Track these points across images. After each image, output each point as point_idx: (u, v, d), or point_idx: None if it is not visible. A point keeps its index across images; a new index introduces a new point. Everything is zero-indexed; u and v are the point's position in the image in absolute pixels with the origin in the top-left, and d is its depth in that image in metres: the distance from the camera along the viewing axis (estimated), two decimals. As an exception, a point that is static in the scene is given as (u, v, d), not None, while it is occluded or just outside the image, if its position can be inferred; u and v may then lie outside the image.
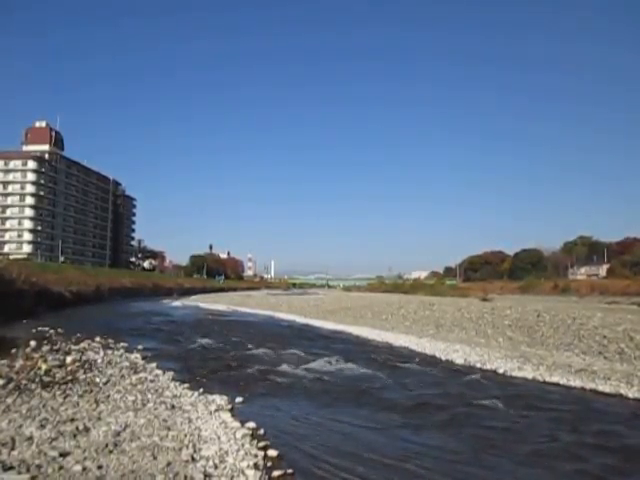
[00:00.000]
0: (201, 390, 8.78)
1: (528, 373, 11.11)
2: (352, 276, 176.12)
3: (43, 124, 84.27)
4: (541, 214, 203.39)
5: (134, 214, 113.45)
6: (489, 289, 55.78)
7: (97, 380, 9.05)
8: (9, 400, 7.27)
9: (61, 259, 74.13)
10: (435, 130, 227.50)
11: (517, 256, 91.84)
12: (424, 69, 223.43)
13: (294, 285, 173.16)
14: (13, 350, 11.53)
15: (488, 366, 12.01)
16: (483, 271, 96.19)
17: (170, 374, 10.22)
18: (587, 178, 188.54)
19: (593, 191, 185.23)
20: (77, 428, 6.07)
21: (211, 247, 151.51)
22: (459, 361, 12.90)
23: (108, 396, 7.87)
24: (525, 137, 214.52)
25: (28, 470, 4.71)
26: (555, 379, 10.44)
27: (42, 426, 6.10)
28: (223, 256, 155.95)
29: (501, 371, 11.48)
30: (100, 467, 4.91)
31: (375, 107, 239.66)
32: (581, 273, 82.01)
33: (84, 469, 4.82)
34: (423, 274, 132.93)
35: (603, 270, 76.80)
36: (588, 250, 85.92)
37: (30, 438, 5.63)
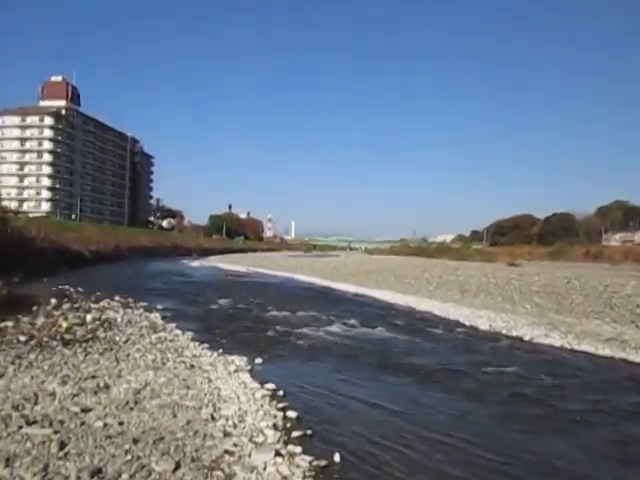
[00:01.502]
0: (220, 351, 8.97)
1: (555, 341, 11.02)
2: (375, 238, 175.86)
3: (59, 79, 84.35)
4: (574, 176, 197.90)
5: (152, 172, 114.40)
6: (517, 254, 54.94)
7: (117, 339, 9.31)
8: (31, 356, 7.56)
9: (79, 217, 75.74)
10: (464, 85, 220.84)
11: (547, 220, 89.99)
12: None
13: (315, 247, 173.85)
14: (34, 308, 11.93)
15: (514, 333, 11.94)
16: (511, 235, 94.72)
17: (189, 334, 10.47)
18: (624, 136, 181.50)
19: (631, 151, 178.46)
20: (98, 385, 6.29)
21: (230, 207, 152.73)
22: (484, 327, 12.86)
23: (128, 355, 8.11)
24: (558, 90, 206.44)
25: (51, 425, 4.91)
26: (583, 347, 10.33)
27: (64, 382, 6.33)
28: (242, 216, 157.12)
29: (527, 338, 11.40)
30: (121, 423, 5.08)
31: (394, 60, 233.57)
32: (615, 239, 79.94)
33: (105, 425, 5.00)
34: (449, 237, 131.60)
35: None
36: (624, 215, 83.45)
37: (52, 394, 5.86)
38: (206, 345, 9.44)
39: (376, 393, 7.03)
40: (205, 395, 6.25)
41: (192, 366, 7.70)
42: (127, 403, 5.68)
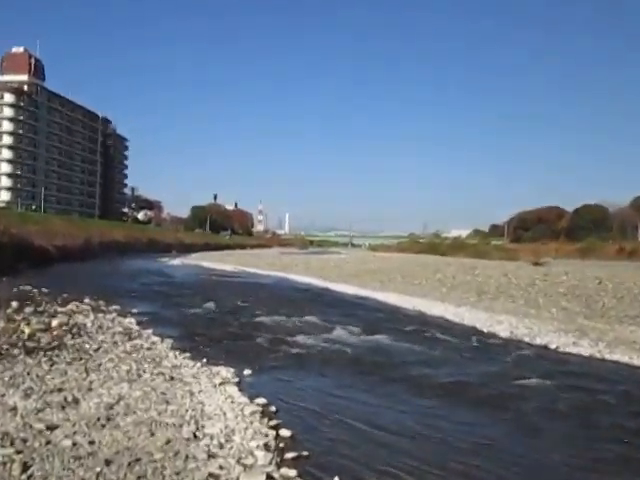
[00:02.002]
0: (204, 360, 9.00)
1: (584, 349, 11.08)
2: (380, 234, 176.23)
3: (21, 50, 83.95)
4: (607, 163, 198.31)
5: (126, 157, 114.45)
6: (542, 251, 55.08)
7: (87, 347, 9.33)
8: (-10, 366, 7.56)
9: (44, 208, 75.60)
10: (486, 67, 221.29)
11: (577, 213, 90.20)
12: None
13: (312, 243, 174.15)
14: (-7, 311, 11.91)
15: (538, 340, 12.01)
16: (536, 230, 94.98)
17: (169, 342, 10.50)
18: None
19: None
20: (65, 399, 6.30)
21: (215, 197, 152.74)
22: (504, 334, 12.93)
23: (99, 365, 8.13)
24: (586, 80, 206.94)
25: (12, 444, 4.92)
26: (616, 357, 10.39)
27: (27, 396, 6.35)
28: (229, 208, 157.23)
29: (553, 346, 11.47)
30: (92, 443, 5.09)
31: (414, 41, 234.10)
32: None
33: (74, 444, 5.01)
34: (464, 232, 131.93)
35: (682, 231, 74.98)
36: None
37: (14, 409, 5.87)
38: (188, 354, 9.47)
39: (381, 410, 7.07)
40: (187, 411, 6.27)
41: (172, 378, 7.73)
42: (98, 420, 5.70)
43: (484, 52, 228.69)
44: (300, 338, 11.68)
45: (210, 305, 16.89)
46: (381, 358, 10.17)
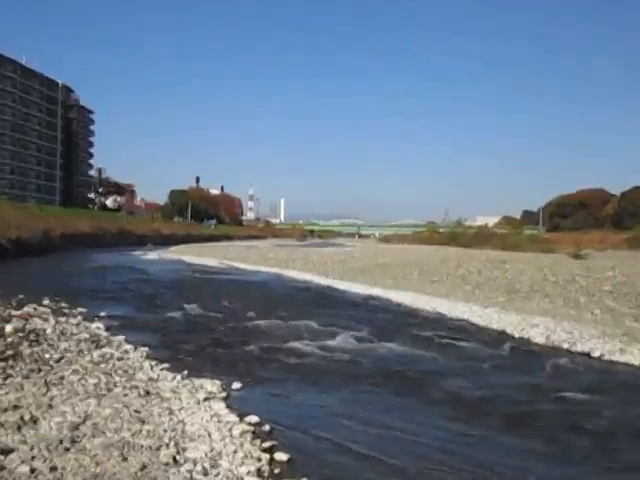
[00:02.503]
0: (185, 372, 9.03)
1: (634, 357, 11.08)
2: (392, 222, 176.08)
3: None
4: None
5: (92, 133, 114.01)
6: (584, 242, 55.06)
7: (47, 356, 9.34)
8: None
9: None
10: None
11: (625, 197, 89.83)
12: None
13: (312, 233, 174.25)
14: (-64, 315, 11.94)
15: (579, 347, 12.02)
16: (577, 217, 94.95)
17: (144, 350, 10.53)
18: None
19: None
20: (22, 418, 6.31)
21: (198, 180, 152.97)
22: (538, 339, 12.95)
23: (62, 377, 8.14)
24: (622, 49, 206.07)
25: (-41, 471, 4.94)
26: (673, 367, 10.41)
27: (-23, 415, 6.36)
28: (215, 193, 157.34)
29: (597, 354, 11.47)
30: (53, 469, 5.11)
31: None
32: None
33: (33, 470, 5.03)
34: (492, 220, 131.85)
35: None
36: None
37: (-39, 430, 5.88)
38: (166, 365, 9.49)
39: (393, 432, 7.05)
40: (165, 431, 6.29)
41: (147, 393, 7.75)
42: (61, 442, 5.72)
43: (523, 24, 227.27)
44: (298, 345, 11.71)
45: (192, 307, 16.94)
46: (394, 369, 10.20)
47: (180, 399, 7.61)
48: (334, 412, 7.74)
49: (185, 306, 17.06)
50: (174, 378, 8.69)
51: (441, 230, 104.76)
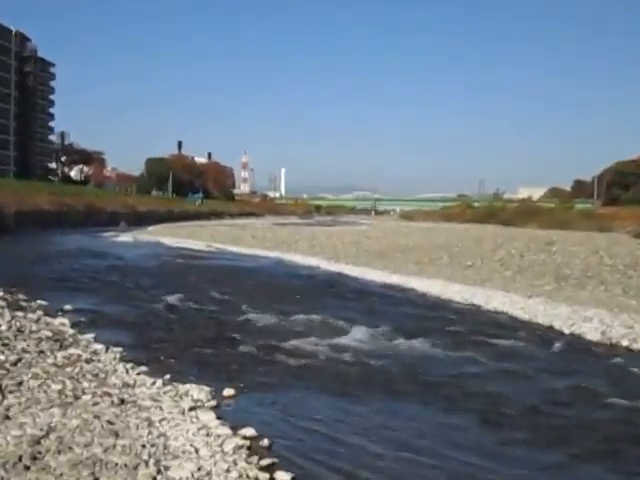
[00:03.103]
0: (167, 377, 9.03)
1: None
2: (416, 196, 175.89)
3: None
4: None
5: (53, 91, 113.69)
6: (649, 218, 54.77)
7: (1, 358, 9.38)
8: None
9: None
10: None
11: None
12: None
13: (319, 209, 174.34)
14: None
15: (641, 345, 12.03)
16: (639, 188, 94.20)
17: (117, 351, 10.54)
18: None
19: None
20: (-27, 431, 6.36)
21: (180, 146, 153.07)
22: (593, 336, 12.93)
23: (20, 383, 8.17)
24: None
25: None
26: None
27: None
28: (201, 161, 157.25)
29: (664, 353, 11.45)
30: (11, 491, 5.16)
31: None
32: None
33: (-14, 494, 5.08)
34: (537, 193, 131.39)
35: None
36: None
37: None
38: (144, 368, 9.50)
39: (417, 445, 7.04)
40: (144, 447, 6.31)
41: (122, 401, 7.78)
42: (20, 459, 5.76)
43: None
44: (302, 344, 11.72)
45: (174, 299, 16.95)
46: (418, 373, 10.17)
47: (161, 408, 7.63)
48: (346, 425, 7.72)
49: (166, 298, 17.06)
50: (154, 384, 8.71)
51: (475, 205, 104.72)
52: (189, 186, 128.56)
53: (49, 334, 11.53)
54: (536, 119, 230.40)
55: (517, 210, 79.81)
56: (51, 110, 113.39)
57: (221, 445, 6.55)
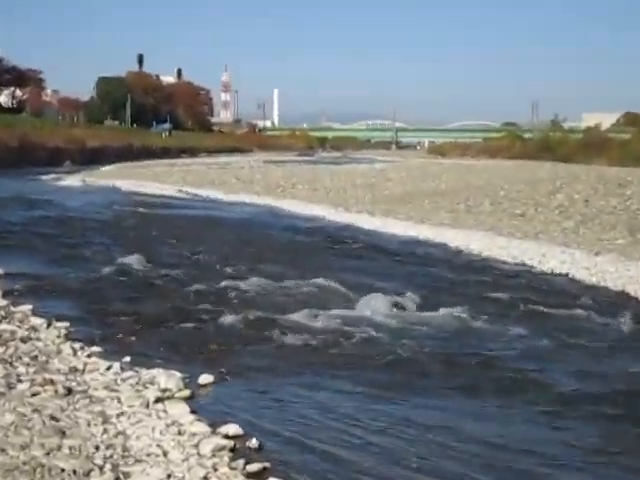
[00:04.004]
0: (127, 359, 9.06)
1: None
2: (449, 124, 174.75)
3: None
4: None
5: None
6: None
7: None
8: None
9: None
10: None
11: None
12: None
13: (323, 143, 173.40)
14: None
15: None
16: None
17: (62, 326, 10.56)
18: None
19: None
20: None
21: (142, 61, 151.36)
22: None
23: (-63, 369, 8.21)
24: None
25: None
26: None
27: None
28: (168, 80, 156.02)
29: None
30: None
31: None
32: None
33: None
34: (607, 120, 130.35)
35: None
36: None
37: None
38: (97, 348, 9.51)
39: (455, 449, 6.93)
40: (97, 448, 6.34)
41: (69, 391, 7.79)
42: (-61, 465, 5.79)
43: None
44: (300, 318, 11.70)
45: (135, 260, 16.86)
46: (453, 355, 10.08)
47: (119, 400, 7.63)
48: (356, 421, 7.62)
49: (124, 259, 16.98)
50: (109, 368, 8.71)
51: (527, 136, 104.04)
52: (153, 114, 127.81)
53: (-28, 305, 11.57)
54: (605, 24, 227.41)
55: (581, 142, 79.17)
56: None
57: (197, 446, 6.54)
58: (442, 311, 12.38)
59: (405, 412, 7.93)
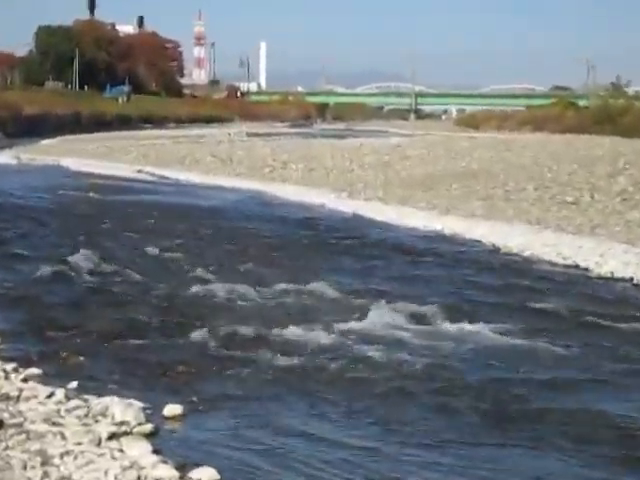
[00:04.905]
0: (73, 385, 9.06)
1: None
2: (483, 88, 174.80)
3: None
4: None
5: None
6: None
7: None
8: None
9: None
10: None
11: None
12: None
13: (322, 111, 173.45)
14: None
15: None
16: None
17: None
18: None
19: None
20: None
21: (93, 5, 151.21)
22: None
23: None
24: None
25: None
26: None
27: None
28: (127, 31, 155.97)
29: None
30: None
31: None
32: None
33: None
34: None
35: None
36: None
37: None
38: (36, 370, 9.51)
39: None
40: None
41: (0, 424, 7.82)
42: None
43: None
44: (293, 332, 11.72)
45: (83, 258, 16.91)
46: (490, 379, 10.08)
47: (63, 436, 7.62)
48: (363, 467, 7.63)
49: (71, 257, 17.02)
50: (51, 396, 8.68)
51: (581, 104, 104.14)
52: (108, 73, 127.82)
53: None
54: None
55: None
56: None
57: (162, 496, 6.58)
58: (475, 326, 12.38)
59: (417, 455, 7.77)
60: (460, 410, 8.96)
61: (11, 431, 7.69)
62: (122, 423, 8.08)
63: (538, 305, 13.79)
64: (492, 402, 9.26)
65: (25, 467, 6.91)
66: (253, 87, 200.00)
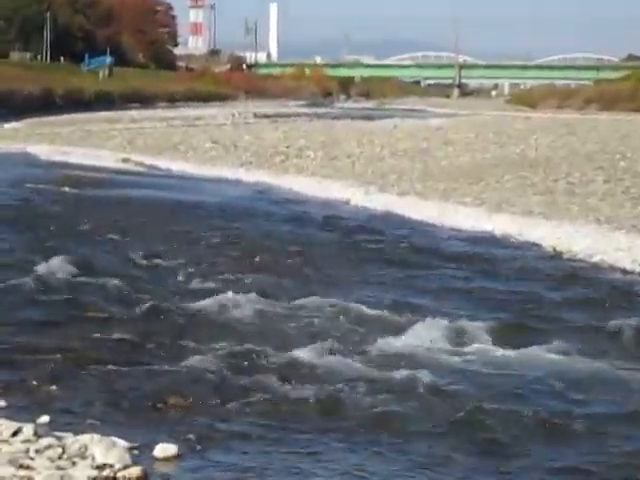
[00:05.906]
0: (45, 419, 9.07)
1: None
2: (538, 59, 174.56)
3: None
4: None
5: None
6: None
7: None
8: None
9: None
10: None
11: None
12: None
13: (346, 87, 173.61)
14: None
15: None
16: None
17: None
18: None
19: None
20: None
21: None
22: None
23: None
24: None
25: None
26: None
27: None
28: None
29: None
30: None
31: None
32: None
33: None
34: None
35: None
36: None
37: None
38: (0, 402, 9.55)
39: None
40: None
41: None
42: None
43: None
44: (310, 354, 11.72)
45: (58, 265, 16.99)
46: (560, 413, 9.86)
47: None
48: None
49: (41, 264, 17.11)
50: (18, 433, 8.73)
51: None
52: (86, 42, 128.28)
53: None
54: None
55: None
56: None
57: None
58: (534, 348, 12.31)
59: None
60: (497, 445, 8.82)
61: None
62: (104, 466, 8.05)
63: (610, 323, 13.69)
64: (544, 434, 9.12)
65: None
66: (262, 58, 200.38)
